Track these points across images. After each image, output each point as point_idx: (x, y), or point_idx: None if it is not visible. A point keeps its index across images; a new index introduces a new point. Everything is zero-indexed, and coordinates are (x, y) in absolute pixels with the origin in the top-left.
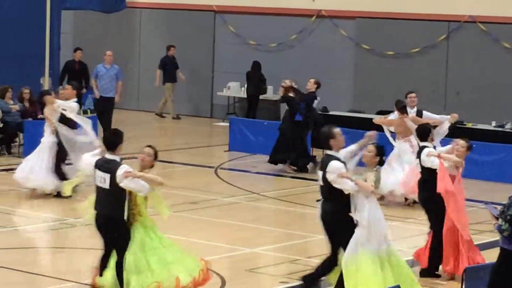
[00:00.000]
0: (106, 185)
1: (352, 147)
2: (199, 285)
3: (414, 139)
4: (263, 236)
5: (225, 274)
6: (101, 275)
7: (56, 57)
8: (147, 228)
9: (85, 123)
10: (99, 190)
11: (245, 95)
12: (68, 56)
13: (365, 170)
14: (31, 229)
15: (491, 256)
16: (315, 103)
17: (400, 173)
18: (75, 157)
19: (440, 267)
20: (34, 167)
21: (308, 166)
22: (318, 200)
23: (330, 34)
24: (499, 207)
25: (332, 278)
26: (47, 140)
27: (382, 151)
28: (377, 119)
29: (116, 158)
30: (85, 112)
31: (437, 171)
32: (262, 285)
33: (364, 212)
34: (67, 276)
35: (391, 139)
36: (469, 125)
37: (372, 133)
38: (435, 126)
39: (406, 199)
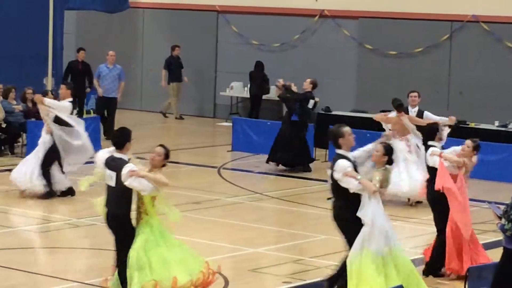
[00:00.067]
0: (113, 183)
1: (369, 146)
2: (200, 287)
3: (411, 138)
4: (266, 236)
5: (228, 274)
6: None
7: (59, 57)
8: (153, 227)
9: (78, 123)
10: (108, 188)
11: (248, 95)
12: (71, 56)
13: (374, 169)
14: (32, 229)
15: (494, 255)
16: (311, 103)
17: (395, 172)
18: (68, 159)
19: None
20: (28, 168)
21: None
22: (329, 199)
23: (333, 34)
24: (502, 207)
25: None
26: (43, 141)
27: (391, 150)
28: (377, 115)
29: (124, 156)
30: (88, 112)
31: None
32: (265, 285)
33: (368, 211)
34: (67, 276)
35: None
36: (472, 124)
37: (389, 133)
38: None
39: (408, 199)
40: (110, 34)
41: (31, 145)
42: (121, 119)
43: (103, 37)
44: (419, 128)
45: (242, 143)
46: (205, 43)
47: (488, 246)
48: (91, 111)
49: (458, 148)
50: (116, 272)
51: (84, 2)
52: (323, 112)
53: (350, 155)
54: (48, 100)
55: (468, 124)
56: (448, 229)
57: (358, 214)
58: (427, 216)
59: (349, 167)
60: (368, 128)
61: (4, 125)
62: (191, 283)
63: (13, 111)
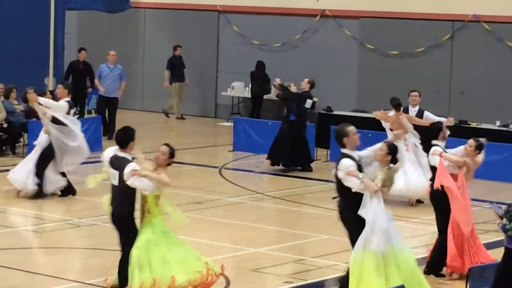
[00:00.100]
0: (116, 182)
1: (378, 145)
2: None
3: (409, 137)
4: (267, 236)
5: (229, 274)
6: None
7: (60, 57)
8: (154, 226)
9: (73, 123)
10: (112, 187)
11: (249, 95)
12: (73, 57)
13: (377, 168)
14: (33, 229)
15: (496, 255)
16: (308, 103)
17: None
18: (64, 159)
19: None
20: (26, 169)
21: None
22: (334, 198)
23: (334, 34)
24: (504, 207)
25: None
26: (40, 141)
27: (394, 149)
28: (377, 112)
29: (127, 155)
30: (89, 112)
31: None
32: (267, 285)
33: (369, 209)
34: (68, 276)
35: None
36: (474, 124)
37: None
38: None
39: (410, 199)
40: (112, 34)
41: (32, 145)
42: (122, 119)
43: (105, 37)
44: (417, 127)
45: (243, 143)
46: (206, 43)
47: (490, 246)
48: (92, 111)
49: (461, 148)
50: (117, 269)
51: (85, 2)
52: (324, 112)
53: (356, 154)
54: (43, 99)
55: (469, 124)
56: (449, 229)
57: (359, 212)
58: (428, 216)
59: (352, 166)
60: (369, 128)
61: (5, 125)
62: (188, 282)
63: (14, 111)
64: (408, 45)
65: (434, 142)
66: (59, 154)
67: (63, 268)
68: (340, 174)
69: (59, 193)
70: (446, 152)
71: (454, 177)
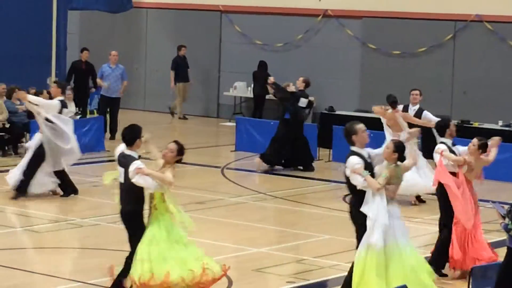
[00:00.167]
0: (122, 179)
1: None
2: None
3: (404, 135)
4: (269, 236)
5: (232, 274)
6: None
7: (62, 57)
8: (160, 223)
9: (65, 123)
10: (120, 184)
11: (251, 95)
12: (75, 57)
13: (384, 166)
14: (34, 228)
15: (498, 255)
16: (303, 102)
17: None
18: (55, 160)
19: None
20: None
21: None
22: (346, 195)
23: (336, 34)
24: (506, 206)
25: None
26: (30, 145)
27: (401, 147)
28: (376, 107)
29: (133, 153)
30: (91, 112)
31: None
32: (269, 285)
33: (371, 206)
34: (70, 276)
35: (389, 136)
36: (476, 124)
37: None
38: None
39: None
40: (114, 34)
41: None
42: (124, 119)
43: (107, 37)
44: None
45: (245, 143)
46: (209, 43)
47: (492, 245)
48: (95, 111)
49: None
50: (124, 263)
51: (87, 2)
52: (326, 112)
53: (365, 152)
54: (31, 97)
55: (471, 124)
56: (454, 224)
57: (362, 209)
58: (430, 215)
59: (358, 164)
60: (372, 128)
61: (7, 125)
62: (181, 279)
63: (16, 111)
64: (410, 45)
65: (441, 139)
66: (50, 155)
67: (63, 268)
68: (347, 172)
69: (32, 194)
70: (453, 149)
71: (455, 175)
